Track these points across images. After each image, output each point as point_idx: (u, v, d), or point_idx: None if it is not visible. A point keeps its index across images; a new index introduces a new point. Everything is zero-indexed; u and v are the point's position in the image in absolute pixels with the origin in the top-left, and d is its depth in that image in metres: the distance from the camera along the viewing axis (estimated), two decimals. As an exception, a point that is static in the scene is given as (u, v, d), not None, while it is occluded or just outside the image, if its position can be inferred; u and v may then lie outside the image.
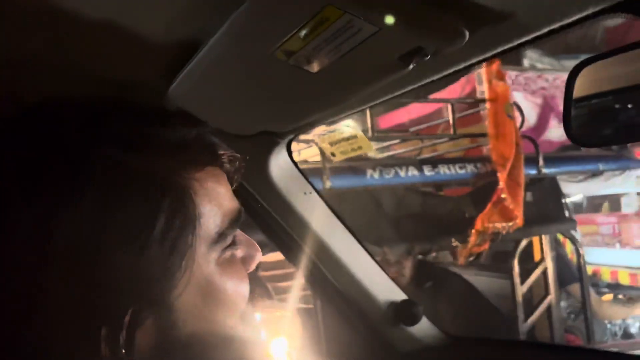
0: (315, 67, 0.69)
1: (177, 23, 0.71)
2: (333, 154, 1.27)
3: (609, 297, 4.77)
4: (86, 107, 0.51)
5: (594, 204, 7.24)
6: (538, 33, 0.60)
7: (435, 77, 0.74)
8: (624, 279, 4.75)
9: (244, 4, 0.61)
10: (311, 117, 0.89)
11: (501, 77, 3.54)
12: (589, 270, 4.66)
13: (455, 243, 3.49)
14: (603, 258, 5.09)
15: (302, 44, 0.64)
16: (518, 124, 3.65)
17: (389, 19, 0.59)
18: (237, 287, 0.53)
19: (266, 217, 1.19)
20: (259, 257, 0.58)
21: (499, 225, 3.45)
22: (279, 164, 1.12)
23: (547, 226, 3.77)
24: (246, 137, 1.05)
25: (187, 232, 0.49)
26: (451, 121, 3.51)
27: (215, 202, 0.52)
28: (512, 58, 5.66)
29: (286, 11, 0.60)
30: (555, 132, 5.97)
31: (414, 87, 0.77)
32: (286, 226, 1.19)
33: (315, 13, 0.58)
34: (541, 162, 3.85)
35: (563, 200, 4.04)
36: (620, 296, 4.74)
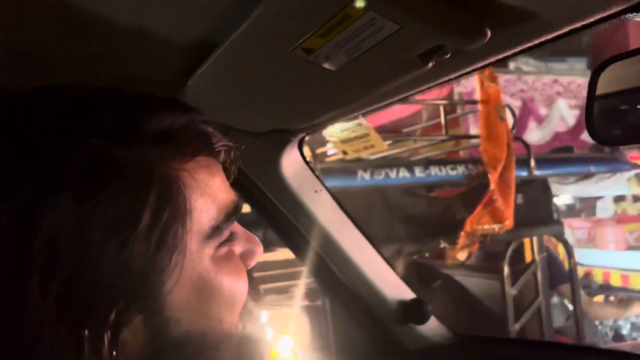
0: (334, 65, 0.69)
1: (195, 21, 0.71)
2: (345, 152, 1.27)
3: (600, 298, 4.76)
4: (68, 96, 0.48)
5: (590, 206, 7.21)
6: (560, 32, 0.60)
7: (453, 76, 0.74)
8: (616, 281, 4.74)
9: (263, 1, 0.61)
10: (326, 115, 0.89)
11: (493, 79, 3.52)
12: (581, 271, 4.66)
13: (443, 244, 3.47)
14: (595, 259, 5.08)
15: (323, 42, 0.64)
16: (510, 126, 3.65)
17: (411, 17, 0.59)
18: (235, 285, 0.50)
19: (276, 214, 1.20)
20: (260, 253, 0.55)
21: (488, 227, 3.43)
22: (290, 162, 1.12)
23: (537, 228, 3.77)
24: (259, 135, 1.05)
25: (176, 226, 0.46)
26: (443, 122, 3.52)
27: (208, 194, 0.49)
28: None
29: (308, 9, 0.60)
30: (534, 134, 5.94)
31: (431, 85, 0.77)
32: (296, 224, 1.20)
33: (338, 11, 0.58)
34: (532, 163, 3.83)
35: (553, 202, 4.05)
36: (611, 298, 4.70)
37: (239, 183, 1.17)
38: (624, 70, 0.58)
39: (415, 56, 0.65)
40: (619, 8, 0.56)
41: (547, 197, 3.93)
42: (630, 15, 0.56)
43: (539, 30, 0.61)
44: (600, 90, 0.58)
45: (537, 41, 0.64)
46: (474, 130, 4.67)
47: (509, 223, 3.44)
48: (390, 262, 1.31)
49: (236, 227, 0.53)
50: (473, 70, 0.73)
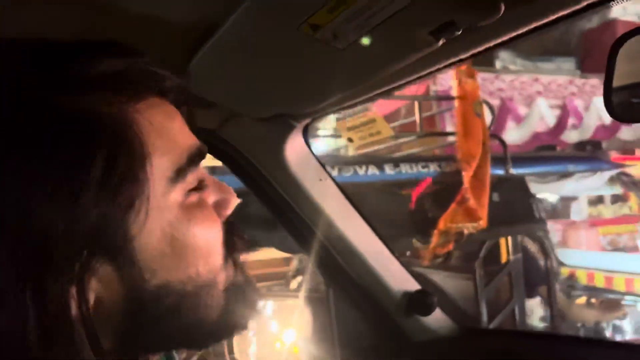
0: (342, 43, 0.67)
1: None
2: (350, 139, 1.25)
3: (582, 300, 4.68)
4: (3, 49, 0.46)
5: (564, 208, 7.08)
6: (578, 6, 0.58)
7: (463, 55, 0.72)
8: (600, 282, 4.66)
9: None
10: (332, 98, 0.87)
11: (471, 74, 3.47)
12: (565, 272, 4.59)
13: (417, 244, 3.42)
14: (580, 260, 5.00)
15: (331, 17, 0.62)
16: (487, 123, 3.60)
17: (421, -9, 0.57)
18: (208, 233, 0.49)
19: (279, 202, 1.18)
20: (235, 202, 0.53)
21: (462, 225, 3.38)
22: (294, 149, 1.10)
23: (514, 227, 3.70)
24: (262, 120, 1.03)
25: (135, 171, 0.45)
26: (418, 120, 3.46)
27: (167, 137, 0.48)
28: (483, 59, 5.56)
29: None
30: (512, 134, 5.83)
31: (441, 66, 0.75)
32: (300, 212, 1.18)
33: (346, -16, 0.56)
34: (509, 161, 3.76)
35: (534, 201, 3.97)
36: (593, 300, 4.61)
37: (241, 169, 1.15)
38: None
39: (425, 33, 0.63)
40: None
41: (524, 196, 3.85)
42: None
43: (555, 5, 0.59)
44: (618, 66, 0.56)
45: (552, 17, 0.62)
46: (450, 128, 4.60)
47: (482, 222, 3.39)
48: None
49: (207, 177, 0.52)
50: (484, 50, 0.71)
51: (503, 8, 0.59)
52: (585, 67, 6.73)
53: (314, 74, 0.79)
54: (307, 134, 1.11)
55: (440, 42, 0.65)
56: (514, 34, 0.67)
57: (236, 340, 1.36)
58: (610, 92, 0.57)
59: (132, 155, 0.45)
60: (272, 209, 1.19)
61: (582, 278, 4.65)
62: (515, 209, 3.76)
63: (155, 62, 0.83)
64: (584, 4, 0.58)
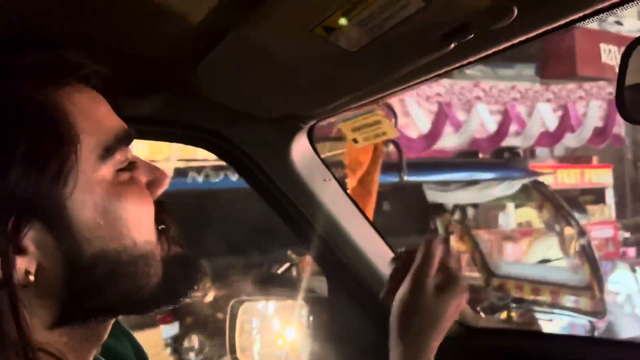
0: (354, 45, 0.67)
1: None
2: (355, 140, 1.26)
3: (504, 315, 4.15)
4: None
5: (493, 218, 6.83)
6: (590, 10, 0.58)
7: (473, 58, 0.73)
8: (527, 293, 4.40)
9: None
10: (339, 100, 0.88)
11: None
12: (495, 283, 4.42)
13: (292, 255, 3.24)
14: (510, 271, 4.71)
15: (346, 19, 0.62)
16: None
17: (436, -6, 0.58)
18: (139, 208, 0.54)
19: (284, 202, 1.18)
20: (166, 182, 0.58)
21: None
22: (300, 149, 1.10)
23: (402, 239, 3.44)
24: (269, 121, 1.03)
25: (64, 149, 0.50)
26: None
27: (94, 119, 0.54)
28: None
29: None
30: (451, 140, 5.61)
31: (451, 68, 0.76)
32: (305, 212, 1.18)
33: (362, -13, 0.57)
34: (404, 168, 3.48)
35: (430, 210, 3.73)
36: (513, 314, 4.03)
37: (247, 169, 1.15)
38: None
39: (438, 36, 0.64)
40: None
41: (420, 205, 3.62)
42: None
43: (568, 8, 0.60)
44: (631, 69, 0.57)
45: (562, 21, 0.63)
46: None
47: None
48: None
49: (138, 159, 0.58)
50: (494, 53, 0.72)
51: (516, 11, 0.59)
52: (544, 74, 6.65)
53: (324, 76, 0.80)
54: (312, 134, 1.12)
55: (452, 46, 0.65)
56: (525, 37, 0.67)
57: (238, 339, 1.36)
58: (623, 97, 0.58)
59: (59, 134, 0.50)
60: (276, 210, 1.20)
61: (512, 290, 4.43)
62: (407, 219, 3.55)
63: (165, 62, 0.84)
64: (595, 8, 0.59)
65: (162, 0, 0.69)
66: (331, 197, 1.19)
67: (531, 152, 6.86)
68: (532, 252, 5.75)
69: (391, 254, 1.29)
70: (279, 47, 0.73)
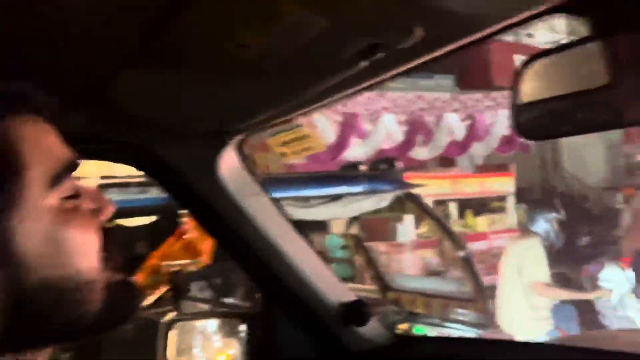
0: (269, 62, 0.67)
1: (127, 10, 0.67)
2: (284, 154, 1.25)
3: (402, 328, 3.75)
4: None
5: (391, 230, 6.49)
6: (492, 30, 0.60)
7: (390, 74, 0.74)
8: (420, 307, 4.20)
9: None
10: (263, 115, 0.87)
11: None
12: (391, 296, 4.20)
13: None
14: (405, 284, 4.53)
15: (257, 37, 0.62)
16: None
17: (345, 15, 0.58)
18: (84, 236, 0.55)
19: (214, 219, 1.16)
20: (110, 210, 0.59)
21: (178, 263, 2.94)
22: (227, 165, 1.09)
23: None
24: (194, 136, 1.01)
25: (11, 178, 0.51)
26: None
27: (42, 148, 0.54)
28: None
29: (240, 3, 0.58)
30: (357, 150, 5.61)
31: (370, 84, 0.77)
32: (236, 228, 1.17)
33: (271, 6, 0.57)
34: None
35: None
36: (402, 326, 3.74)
37: (174, 185, 1.13)
38: (549, 65, 0.59)
39: (350, 54, 0.64)
40: (549, 6, 0.57)
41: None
42: (558, 14, 0.57)
43: (473, 27, 0.62)
44: (525, 86, 0.59)
45: (472, 39, 0.65)
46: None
47: (205, 257, 3.00)
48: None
49: (83, 187, 0.58)
50: (409, 69, 0.73)
51: (423, 32, 0.61)
52: (462, 84, 6.81)
53: (243, 92, 0.79)
54: (242, 150, 1.11)
55: (365, 64, 0.66)
56: (435, 54, 0.69)
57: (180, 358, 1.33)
58: (517, 112, 0.60)
59: (8, 164, 0.51)
60: (205, 226, 1.18)
61: (406, 303, 4.21)
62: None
63: (81, 75, 0.81)
64: (501, 26, 0.61)
65: (73, 10, 0.66)
66: (262, 212, 1.18)
67: (451, 162, 6.93)
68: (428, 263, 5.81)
69: (323, 265, 1.29)
70: (196, 61, 0.72)
